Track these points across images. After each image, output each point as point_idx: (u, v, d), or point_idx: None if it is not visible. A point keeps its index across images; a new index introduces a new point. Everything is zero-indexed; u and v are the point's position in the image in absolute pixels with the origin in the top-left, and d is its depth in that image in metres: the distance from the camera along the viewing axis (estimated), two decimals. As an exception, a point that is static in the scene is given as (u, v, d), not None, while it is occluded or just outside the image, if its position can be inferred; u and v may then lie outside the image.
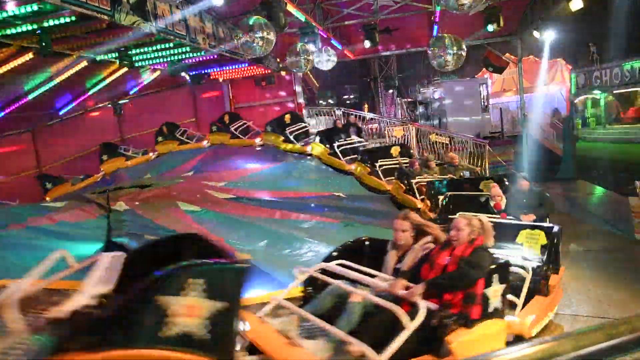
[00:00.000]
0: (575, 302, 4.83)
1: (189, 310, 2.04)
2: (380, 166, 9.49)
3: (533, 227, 4.64)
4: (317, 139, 11.73)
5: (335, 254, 3.79)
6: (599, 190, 11.30)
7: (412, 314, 2.72)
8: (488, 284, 3.03)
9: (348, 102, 30.01)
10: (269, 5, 8.18)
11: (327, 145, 11.19)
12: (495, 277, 3.08)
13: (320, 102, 23.33)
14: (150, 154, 13.76)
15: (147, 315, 2.02)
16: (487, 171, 12.25)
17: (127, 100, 16.19)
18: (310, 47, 10.56)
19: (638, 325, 1.15)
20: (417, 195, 8.13)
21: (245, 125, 13.90)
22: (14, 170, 13.59)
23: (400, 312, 2.68)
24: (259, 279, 4.79)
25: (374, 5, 11.55)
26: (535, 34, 11.91)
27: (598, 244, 6.96)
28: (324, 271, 3.45)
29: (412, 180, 8.36)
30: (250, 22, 7.42)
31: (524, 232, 4.61)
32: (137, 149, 14.15)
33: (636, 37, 21.52)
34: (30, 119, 13.43)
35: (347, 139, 11.39)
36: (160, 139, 14.03)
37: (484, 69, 17.37)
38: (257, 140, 13.08)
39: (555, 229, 4.55)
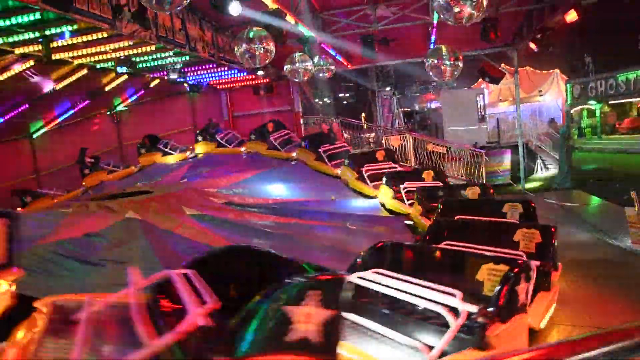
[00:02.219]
0: (571, 312, 4.84)
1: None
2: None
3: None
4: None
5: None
6: (595, 200, 11.35)
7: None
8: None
9: (345, 102, 30.58)
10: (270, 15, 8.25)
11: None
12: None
13: (317, 101, 23.43)
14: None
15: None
16: (484, 180, 12.33)
17: (126, 108, 16.24)
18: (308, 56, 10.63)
19: (633, 333, 1.18)
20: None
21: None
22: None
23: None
24: None
25: (372, 16, 11.67)
26: (531, 45, 12.02)
27: (594, 254, 6.99)
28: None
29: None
30: (251, 33, 7.47)
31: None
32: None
33: (630, 48, 21.79)
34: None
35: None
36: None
37: (480, 79, 17.52)
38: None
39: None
